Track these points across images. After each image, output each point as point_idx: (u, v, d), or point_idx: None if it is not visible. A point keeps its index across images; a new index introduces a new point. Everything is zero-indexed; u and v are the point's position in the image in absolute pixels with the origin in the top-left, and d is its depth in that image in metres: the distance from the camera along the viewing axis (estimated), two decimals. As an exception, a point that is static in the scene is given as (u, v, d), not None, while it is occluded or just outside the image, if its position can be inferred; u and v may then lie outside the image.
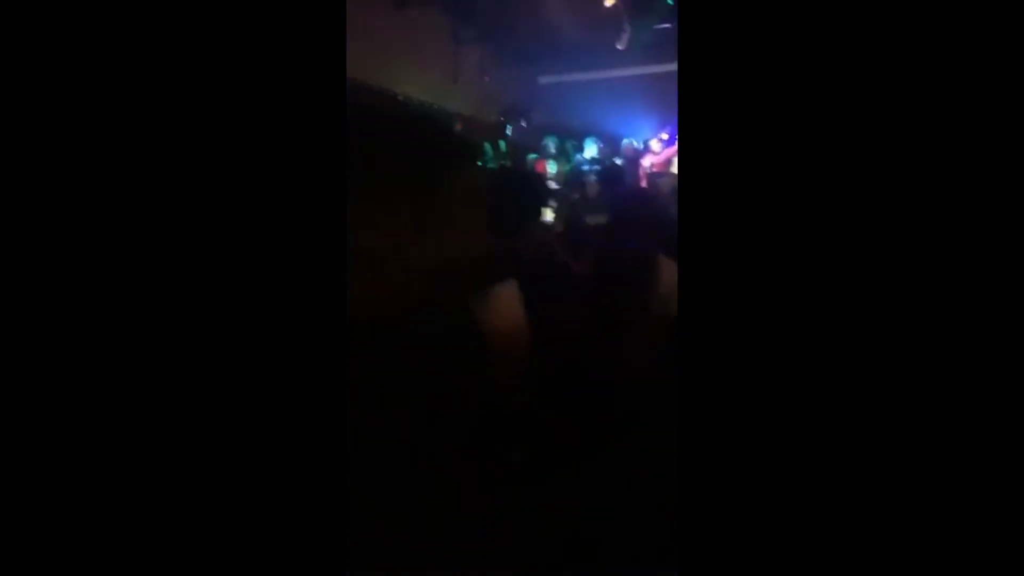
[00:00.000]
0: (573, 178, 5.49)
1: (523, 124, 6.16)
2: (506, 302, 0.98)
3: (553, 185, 5.28)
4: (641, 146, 6.17)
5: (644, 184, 5.52)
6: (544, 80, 6.97)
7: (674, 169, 5.51)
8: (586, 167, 5.61)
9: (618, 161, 5.72)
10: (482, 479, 0.74)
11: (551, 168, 5.74)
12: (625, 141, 6.23)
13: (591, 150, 5.81)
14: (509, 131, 6.20)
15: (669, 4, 5.03)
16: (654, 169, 5.79)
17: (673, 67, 6.44)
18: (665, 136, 6.25)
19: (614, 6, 4.93)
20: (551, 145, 5.92)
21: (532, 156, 6.07)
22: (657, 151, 5.94)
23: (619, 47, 5.39)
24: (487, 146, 5.60)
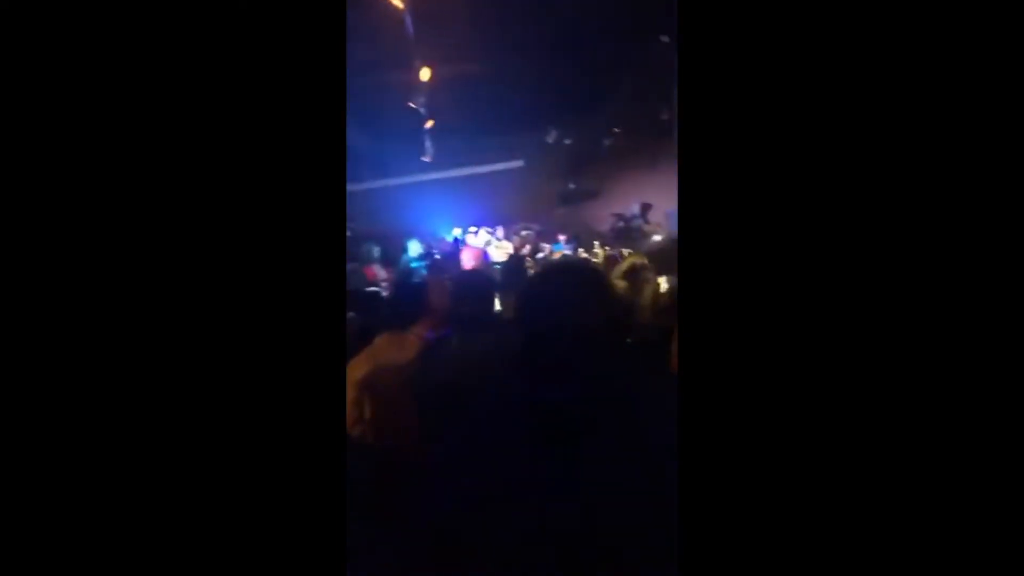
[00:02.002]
0: (404, 276, 5.75)
1: (348, 234, 6.25)
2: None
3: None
4: (453, 240, 6.76)
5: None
6: (355, 188, 7.22)
7: (491, 258, 6.16)
8: (414, 264, 5.94)
9: (437, 256, 6.18)
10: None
11: (380, 272, 5.93)
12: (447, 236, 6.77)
13: (416, 248, 6.19)
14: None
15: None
16: (473, 260, 6.38)
17: (472, 170, 7.29)
18: (473, 229, 6.95)
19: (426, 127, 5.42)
20: (375, 251, 6.13)
21: (353, 264, 6.19)
22: (473, 244, 6.58)
23: (425, 159, 5.98)
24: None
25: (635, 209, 7.15)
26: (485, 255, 6.48)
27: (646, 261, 2.01)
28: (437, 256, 6.10)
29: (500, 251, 5.95)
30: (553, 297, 0.76)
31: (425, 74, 4.38)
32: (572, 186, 7.36)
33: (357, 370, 1.36)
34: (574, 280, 0.77)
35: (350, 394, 1.36)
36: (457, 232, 7.01)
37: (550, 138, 6.20)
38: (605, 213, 7.62)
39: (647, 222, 6.60)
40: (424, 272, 5.75)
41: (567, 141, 6.38)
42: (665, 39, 4.41)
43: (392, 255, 6.48)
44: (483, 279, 1.65)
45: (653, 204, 7.17)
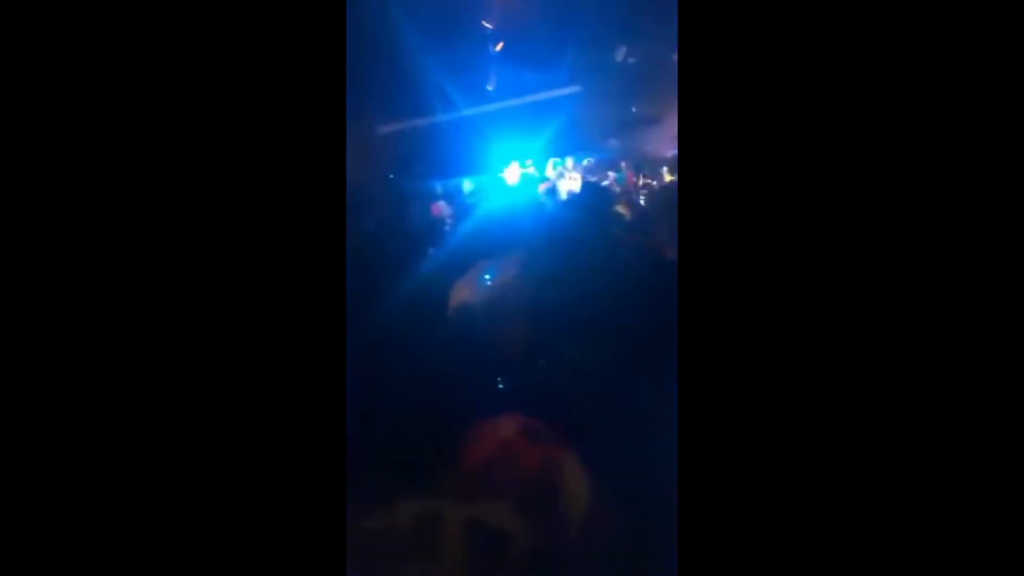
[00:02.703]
0: (460, 213, 5.78)
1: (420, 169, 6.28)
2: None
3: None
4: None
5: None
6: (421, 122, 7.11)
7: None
8: (468, 201, 5.92)
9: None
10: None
11: (445, 208, 5.95)
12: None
13: (468, 186, 6.17)
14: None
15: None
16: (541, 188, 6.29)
17: (530, 98, 7.00)
18: (529, 162, 6.78)
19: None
20: (438, 187, 6.12)
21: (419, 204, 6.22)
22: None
23: (489, 87, 5.78)
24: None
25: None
26: (550, 190, 6.38)
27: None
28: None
29: (573, 183, 5.82)
30: None
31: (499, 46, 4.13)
32: (634, 111, 7.01)
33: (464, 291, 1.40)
34: None
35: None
36: (515, 168, 6.86)
37: (619, 56, 5.85)
38: (667, 139, 7.28)
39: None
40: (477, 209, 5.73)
41: (632, 60, 6.00)
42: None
43: (452, 192, 6.46)
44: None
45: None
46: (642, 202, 4.05)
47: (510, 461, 0.73)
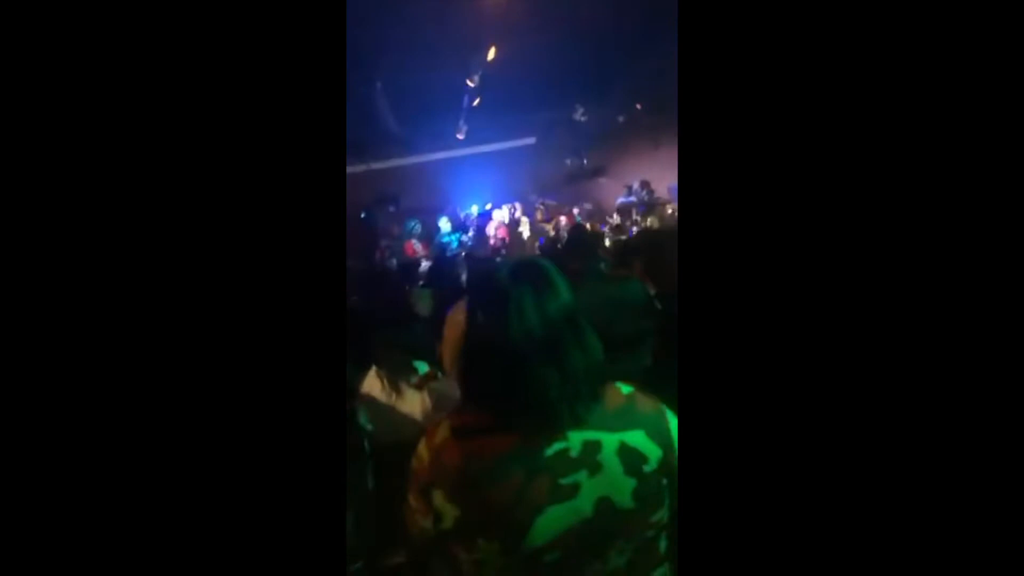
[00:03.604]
0: (439, 250, 6.02)
1: (391, 210, 6.44)
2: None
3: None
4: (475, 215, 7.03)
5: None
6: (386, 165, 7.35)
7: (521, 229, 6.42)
8: (446, 239, 6.20)
9: (470, 232, 6.46)
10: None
11: (419, 247, 6.16)
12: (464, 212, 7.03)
13: (446, 224, 6.45)
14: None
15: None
16: (499, 232, 6.68)
17: (490, 147, 7.52)
18: (488, 206, 7.22)
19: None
20: (417, 226, 6.32)
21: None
22: (497, 219, 6.85)
23: (459, 136, 6.19)
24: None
25: (636, 185, 7.54)
26: (509, 232, 6.80)
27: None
28: (469, 233, 6.38)
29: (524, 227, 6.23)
30: None
31: (491, 54, 4.59)
32: (584, 162, 7.67)
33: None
34: None
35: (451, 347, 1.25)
36: (475, 209, 7.25)
37: (577, 115, 6.47)
38: (612, 188, 7.98)
39: (651, 196, 6.98)
40: (455, 246, 6.02)
41: (583, 119, 6.66)
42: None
43: (427, 231, 6.69)
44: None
45: (651, 180, 7.57)
46: (607, 242, 4.48)
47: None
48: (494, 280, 0.75)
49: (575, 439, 0.69)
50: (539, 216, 6.76)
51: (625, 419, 0.72)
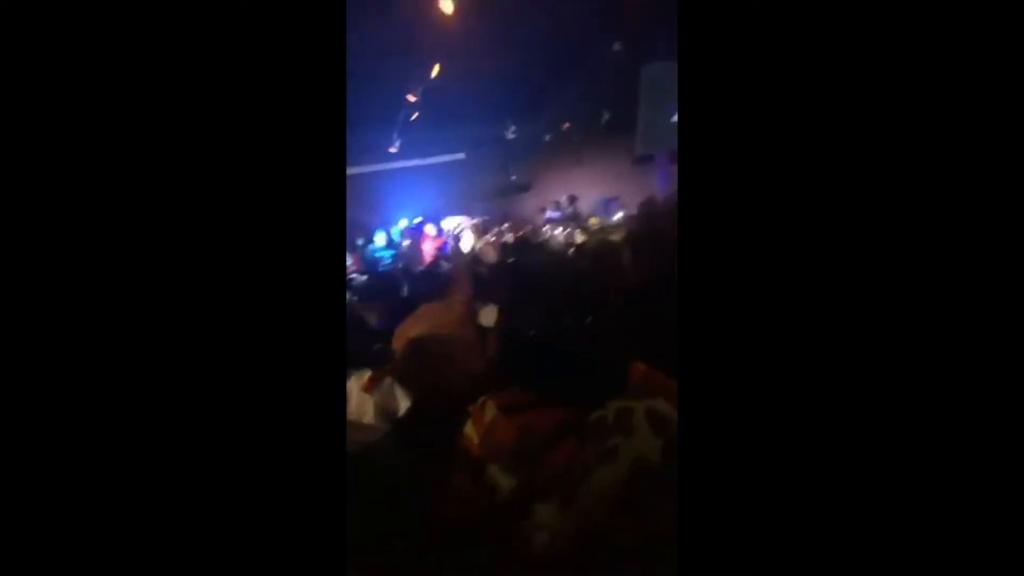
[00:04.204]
0: (372, 265, 5.92)
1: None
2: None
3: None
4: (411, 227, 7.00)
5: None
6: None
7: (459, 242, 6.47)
8: (378, 253, 6.10)
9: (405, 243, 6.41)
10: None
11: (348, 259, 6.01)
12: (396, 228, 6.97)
13: (381, 238, 6.35)
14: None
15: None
16: (435, 245, 6.69)
17: (417, 162, 7.53)
18: (419, 219, 7.22)
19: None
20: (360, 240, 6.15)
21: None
22: (430, 233, 6.86)
23: (392, 150, 6.14)
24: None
25: (564, 200, 7.90)
26: (444, 246, 6.82)
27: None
28: (406, 244, 6.32)
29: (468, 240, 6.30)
30: None
31: (435, 71, 4.63)
32: (513, 178, 7.89)
33: (410, 329, 1.41)
34: None
35: (404, 350, 1.34)
36: (403, 224, 7.22)
37: (509, 133, 6.67)
38: (537, 204, 8.29)
39: (576, 211, 7.36)
40: (389, 261, 5.95)
41: (511, 136, 6.88)
42: (617, 47, 5.10)
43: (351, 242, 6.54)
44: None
45: (579, 195, 7.98)
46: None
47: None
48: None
49: (611, 408, 0.79)
50: (477, 230, 6.86)
51: (647, 389, 0.83)
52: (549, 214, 7.48)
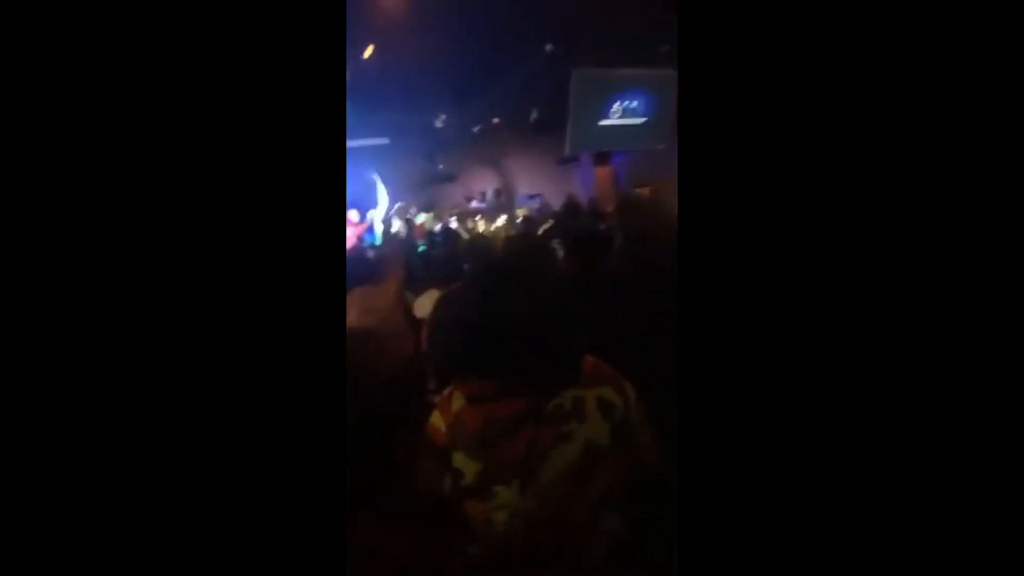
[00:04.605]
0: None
1: None
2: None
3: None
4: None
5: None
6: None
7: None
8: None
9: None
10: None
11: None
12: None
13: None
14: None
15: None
16: (357, 232, 6.48)
17: (349, 144, 7.21)
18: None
19: None
20: None
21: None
22: (352, 219, 6.64)
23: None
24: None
25: (489, 192, 7.99)
26: (369, 231, 6.62)
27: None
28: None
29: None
30: None
31: (368, 51, 4.47)
32: (440, 167, 7.84)
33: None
34: None
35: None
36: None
37: (439, 122, 6.60)
38: (462, 193, 8.30)
39: (500, 204, 7.49)
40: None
41: (440, 125, 6.84)
42: (549, 48, 5.24)
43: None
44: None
45: (503, 189, 8.11)
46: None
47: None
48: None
49: (567, 396, 0.88)
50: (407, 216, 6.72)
51: (596, 379, 0.93)
52: (475, 204, 7.55)
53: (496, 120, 7.02)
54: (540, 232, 2.77)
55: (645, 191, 5.64)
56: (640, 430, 0.94)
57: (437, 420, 0.88)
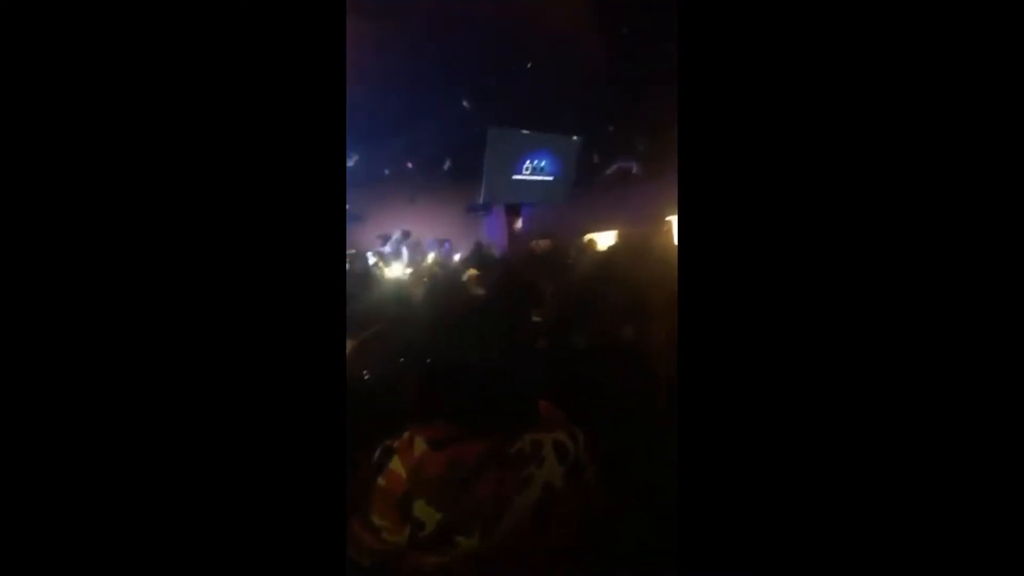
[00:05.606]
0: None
1: None
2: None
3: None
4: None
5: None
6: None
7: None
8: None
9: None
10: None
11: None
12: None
13: None
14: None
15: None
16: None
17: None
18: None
19: None
20: None
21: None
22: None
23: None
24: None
25: (397, 234, 7.91)
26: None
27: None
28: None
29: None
30: None
31: None
32: (347, 206, 7.61)
33: None
34: None
35: None
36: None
37: (350, 161, 6.45)
38: (368, 233, 8.11)
39: (406, 247, 7.43)
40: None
41: (351, 164, 6.72)
42: (466, 104, 5.45)
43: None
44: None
45: (412, 232, 8.06)
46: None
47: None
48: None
49: (527, 440, 0.89)
50: None
51: (550, 423, 0.95)
52: (381, 247, 7.40)
53: (409, 164, 7.06)
54: (464, 279, 2.80)
55: (547, 243, 5.99)
56: (588, 471, 0.97)
57: (397, 466, 0.84)
